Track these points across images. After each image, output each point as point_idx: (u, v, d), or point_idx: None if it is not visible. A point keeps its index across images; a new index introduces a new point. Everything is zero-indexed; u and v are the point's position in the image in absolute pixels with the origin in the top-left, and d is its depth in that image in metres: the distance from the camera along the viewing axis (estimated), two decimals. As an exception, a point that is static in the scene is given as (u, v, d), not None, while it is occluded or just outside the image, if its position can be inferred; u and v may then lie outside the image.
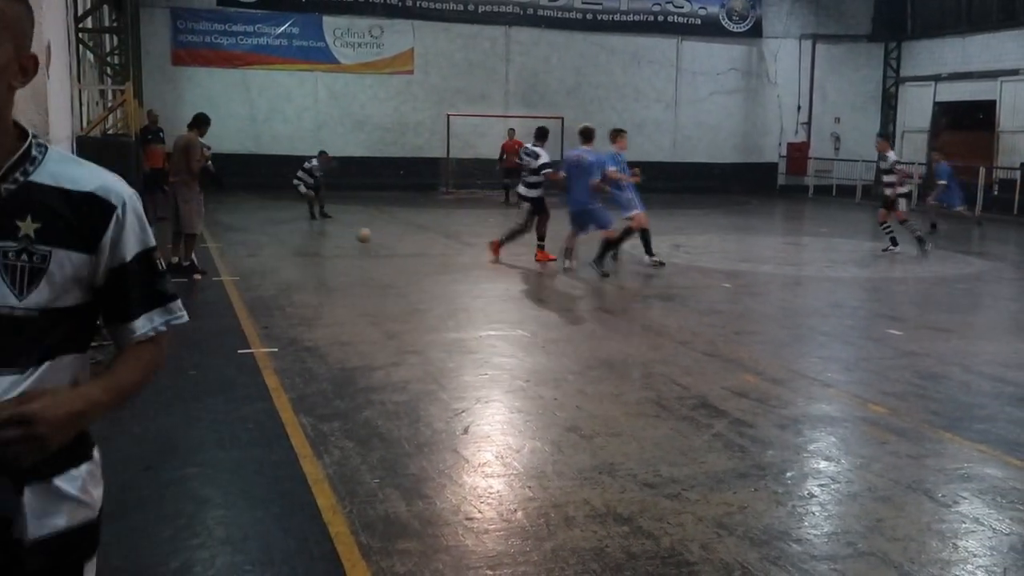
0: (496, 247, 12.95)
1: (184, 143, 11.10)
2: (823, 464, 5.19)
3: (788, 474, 5.01)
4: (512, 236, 12.97)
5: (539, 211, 12.94)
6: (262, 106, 25.23)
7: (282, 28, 25.30)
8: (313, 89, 25.75)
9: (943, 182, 18.85)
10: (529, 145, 13.74)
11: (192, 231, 11.06)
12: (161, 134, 17.15)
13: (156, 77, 23.36)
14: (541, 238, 13.05)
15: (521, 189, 13.31)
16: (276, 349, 7.49)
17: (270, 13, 25.14)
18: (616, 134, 12.91)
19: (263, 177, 23.83)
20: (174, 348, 6.52)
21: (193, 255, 11.14)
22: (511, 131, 23.83)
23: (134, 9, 18.13)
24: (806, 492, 4.75)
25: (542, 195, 12.94)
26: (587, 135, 12.41)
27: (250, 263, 12.41)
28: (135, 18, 18.99)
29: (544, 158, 13.02)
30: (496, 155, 23.92)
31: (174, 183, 11.09)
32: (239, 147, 23.08)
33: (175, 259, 10.87)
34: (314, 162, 18.05)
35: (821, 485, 4.84)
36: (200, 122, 11.40)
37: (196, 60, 24.72)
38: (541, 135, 13.77)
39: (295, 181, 18.08)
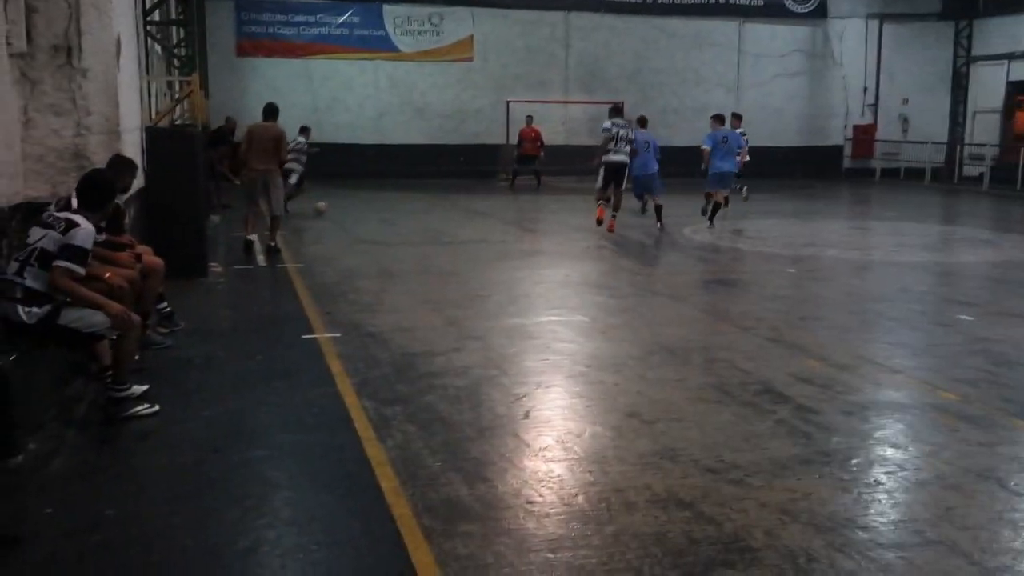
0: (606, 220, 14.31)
1: (277, 134, 11.75)
2: (890, 451, 5.10)
3: (854, 461, 4.93)
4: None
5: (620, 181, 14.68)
6: (324, 95, 25.48)
7: (343, 17, 25.51)
8: (374, 78, 25.93)
9: None
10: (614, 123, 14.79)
11: (282, 213, 12.24)
12: (230, 138, 17.40)
13: (222, 69, 23.77)
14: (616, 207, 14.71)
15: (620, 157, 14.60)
16: (339, 335, 7.58)
17: (331, 3, 25.37)
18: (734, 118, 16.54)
19: (326, 166, 24.11)
20: (240, 333, 6.69)
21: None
22: (529, 118, 23.98)
23: (199, 1, 18.45)
24: (872, 479, 4.67)
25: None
26: (643, 122, 15.72)
27: (314, 250, 12.58)
28: (200, 10, 19.33)
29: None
30: (553, 141, 24.09)
31: (263, 171, 11.63)
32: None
33: (272, 242, 11.86)
34: (302, 139, 16.64)
35: (888, 472, 4.75)
36: (276, 112, 12.07)
37: (260, 51, 25.06)
38: (617, 111, 15.36)
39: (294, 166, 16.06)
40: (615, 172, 14.62)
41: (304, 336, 7.55)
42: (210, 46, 23.40)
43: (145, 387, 5.62)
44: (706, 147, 15.51)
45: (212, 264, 10.67)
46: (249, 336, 7.68)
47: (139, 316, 5.63)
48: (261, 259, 11.55)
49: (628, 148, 14.65)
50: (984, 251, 13.88)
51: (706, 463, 4.79)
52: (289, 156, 15.07)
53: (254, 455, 4.93)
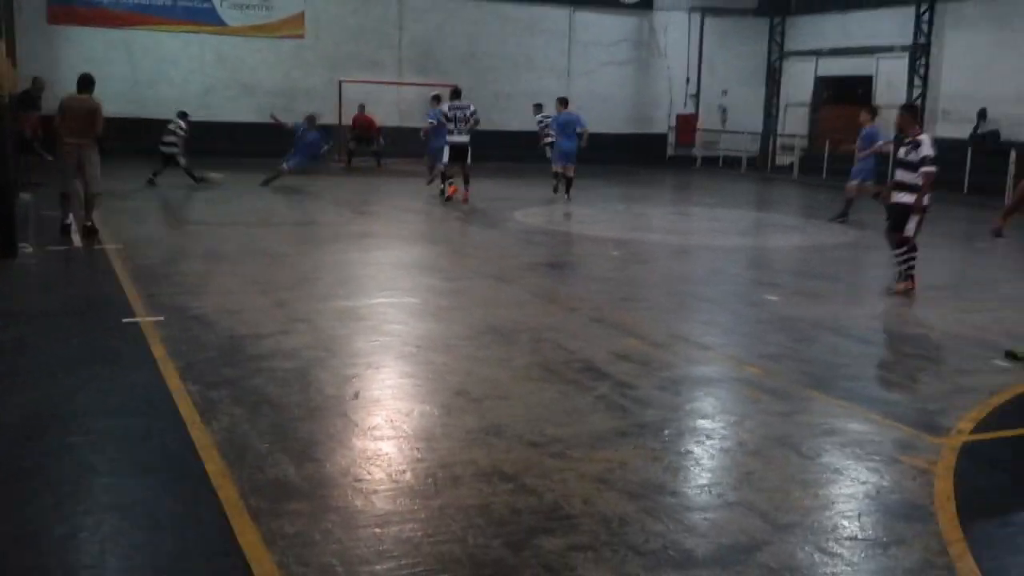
0: None
1: (93, 106, 11.12)
2: (699, 422, 5.47)
3: (666, 432, 5.26)
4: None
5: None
6: (146, 68, 24.37)
7: (166, -12, 24.44)
8: (200, 52, 24.98)
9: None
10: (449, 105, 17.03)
11: (100, 191, 11.42)
12: (39, 102, 16.60)
13: (30, 36, 22.24)
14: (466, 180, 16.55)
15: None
16: (162, 318, 7.37)
17: (153, -29, 24.25)
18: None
19: (147, 142, 23.10)
20: (54, 317, 6.44)
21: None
22: (361, 106, 24.56)
23: (5, -36, 17.24)
24: (682, 449, 5.01)
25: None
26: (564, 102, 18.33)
27: (135, 231, 12.09)
28: (7, -27, 18.05)
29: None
30: (389, 122, 24.27)
31: (76, 144, 11.01)
32: (121, 110, 22.09)
33: (87, 221, 11.21)
34: (182, 124, 17.57)
35: (696, 442, 5.10)
36: (92, 84, 11.43)
37: (74, 19, 23.65)
38: (456, 94, 17.17)
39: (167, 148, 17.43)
40: (459, 151, 16.29)
41: (125, 320, 7.30)
42: (17, 11, 21.88)
43: None
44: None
45: (22, 245, 10.10)
46: (65, 320, 7.36)
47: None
48: (77, 240, 11.02)
49: (467, 127, 16.39)
50: (791, 236, 14.87)
51: (529, 438, 5.00)
52: (169, 140, 16.75)
53: (71, 441, 4.77)
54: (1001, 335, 7.81)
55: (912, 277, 9.42)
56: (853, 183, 15.45)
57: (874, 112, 16.06)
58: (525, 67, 28.24)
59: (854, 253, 13.23)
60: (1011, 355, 7.01)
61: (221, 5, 24.96)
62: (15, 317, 7.30)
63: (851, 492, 4.50)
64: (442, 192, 16.88)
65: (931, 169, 9.07)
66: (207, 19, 24.87)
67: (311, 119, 18.96)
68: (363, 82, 25.65)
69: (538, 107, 22.47)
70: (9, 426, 4.92)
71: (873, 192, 14.63)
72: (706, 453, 4.96)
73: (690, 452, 4.96)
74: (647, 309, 8.72)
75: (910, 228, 9.19)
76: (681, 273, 11.13)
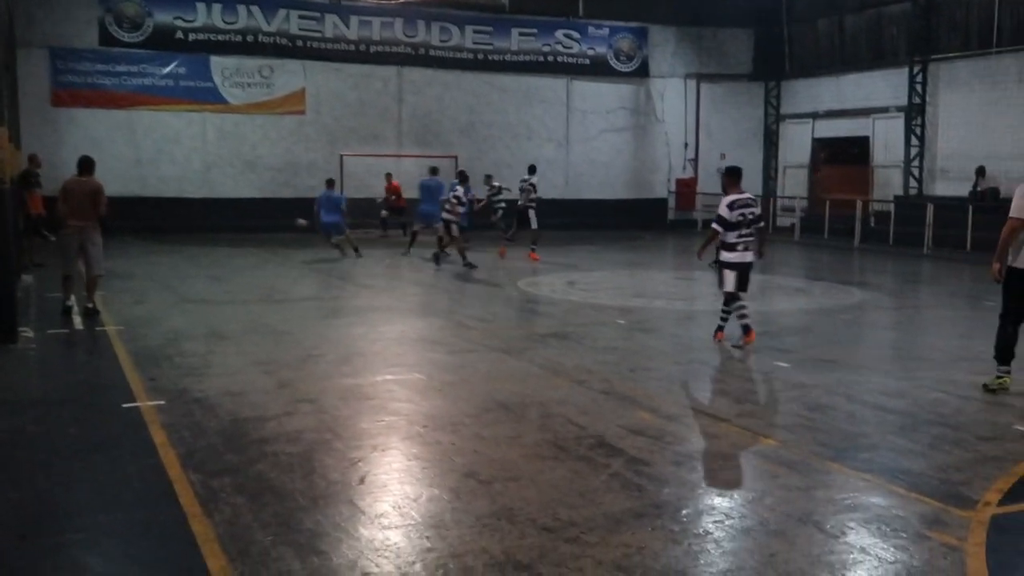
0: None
1: (95, 187, 11.22)
2: (717, 500, 5.28)
3: (684, 512, 5.07)
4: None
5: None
6: (148, 147, 24.59)
7: (168, 68, 24.76)
8: (201, 130, 25.24)
9: None
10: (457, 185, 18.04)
11: (102, 272, 11.57)
12: (39, 179, 16.74)
13: (34, 119, 22.51)
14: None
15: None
16: (163, 402, 7.23)
17: (155, 53, 24.58)
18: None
19: (150, 220, 23.21)
20: (53, 404, 6.26)
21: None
22: (388, 175, 24.76)
23: (10, 48, 17.50)
24: (702, 530, 4.82)
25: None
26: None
27: (136, 311, 12.00)
28: (11, 57, 18.33)
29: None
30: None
31: (79, 227, 11.09)
32: (123, 190, 22.30)
33: (90, 304, 11.30)
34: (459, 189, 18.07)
35: (716, 522, 4.91)
36: (93, 165, 11.52)
37: (77, 101, 23.95)
38: (464, 178, 18.63)
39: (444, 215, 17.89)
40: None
41: (124, 405, 7.16)
42: (22, 95, 22.16)
43: None
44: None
45: (23, 329, 10.00)
46: (63, 407, 7.20)
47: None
48: (79, 322, 10.93)
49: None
50: (797, 299, 14.75)
51: (543, 522, 4.82)
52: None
53: (67, 539, 4.59)
54: (1019, 399, 7.64)
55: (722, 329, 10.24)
56: None
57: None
58: (524, 136, 28.51)
59: (861, 315, 13.10)
60: (987, 389, 7.79)
61: (223, 84, 25.27)
62: (13, 406, 7.15)
63: (880, 573, 4.30)
64: (436, 257, 17.93)
65: (713, 226, 10.05)
66: (209, 98, 25.16)
67: (331, 182, 19.69)
68: (364, 155, 25.86)
69: (488, 178, 23.99)
70: (2, 524, 4.75)
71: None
72: (727, 534, 4.77)
73: (710, 533, 4.77)
74: (657, 379, 8.57)
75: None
76: (688, 340, 10.99)
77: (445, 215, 17.60)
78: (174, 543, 4.55)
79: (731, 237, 9.86)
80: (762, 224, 10.27)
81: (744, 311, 9.91)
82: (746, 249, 9.89)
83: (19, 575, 4.17)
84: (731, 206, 9.83)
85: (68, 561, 4.35)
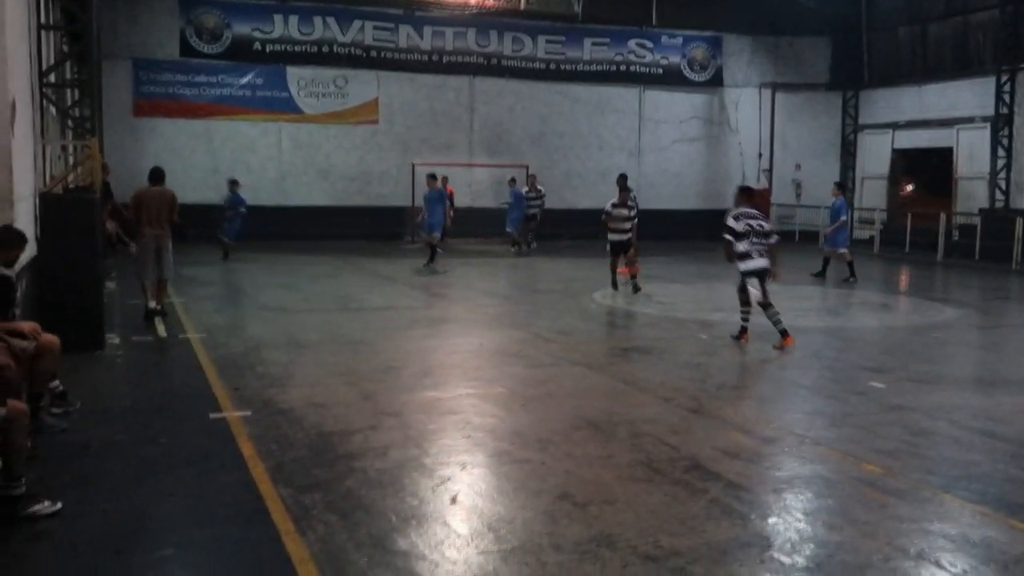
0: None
1: (170, 196, 11.77)
2: (825, 532, 5.03)
3: (791, 543, 4.84)
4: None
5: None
6: (225, 156, 24.97)
7: (246, 79, 25.15)
8: (277, 139, 25.57)
9: (843, 218, 18.33)
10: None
11: (170, 277, 12.03)
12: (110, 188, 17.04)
13: (117, 128, 23.04)
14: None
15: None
16: (249, 413, 7.22)
17: (234, 64, 24.99)
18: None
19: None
20: (143, 413, 6.24)
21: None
22: (444, 178, 23.78)
23: (97, 61, 17.87)
24: (813, 563, 4.58)
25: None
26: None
27: (216, 319, 12.11)
28: (98, 70, 18.72)
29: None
30: (460, 203, 24.46)
31: (156, 234, 11.58)
32: (201, 198, 22.68)
33: (157, 305, 11.67)
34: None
35: (829, 555, 4.67)
36: (163, 175, 11.99)
37: (158, 111, 24.44)
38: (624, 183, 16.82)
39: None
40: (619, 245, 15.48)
41: (212, 415, 7.16)
42: (106, 106, 22.63)
43: (58, 506, 4.99)
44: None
45: (109, 335, 10.13)
46: (152, 416, 7.22)
47: (29, 398, 5.22)
48: (162, 329, 11.05)
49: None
50: (883, 315, 14.30)
51: (645, 550, 4.63)
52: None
53: (160, 555, 4.55)
54: None
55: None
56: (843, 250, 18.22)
57: (842, 187, 19.60)
58: (596, 146, 28.34)
59: (953, 333, 12.61)
60: None
61: (298, 94, 25.57)
62: (103, 415, 7.19)
63: (1012, 617, 4.03)
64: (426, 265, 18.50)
65: (724, 236, 10.55)
66: (285, 108, 25.48)
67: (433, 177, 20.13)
68: (436, 164, 25.88)
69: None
70: (96, 538, 4.72)
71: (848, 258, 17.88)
72: (840, 569, 4.52)
73: (822, 566, 4.53)
74: (746, 398, 8.31)
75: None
76: (775, 357, 10.67)
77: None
78: (269, 562, 4.47)
79: (742, 246, 10.44)
80: (775, 240, 10.70)
81: (777, 316, 10.61)
82: (760, 256, 10.48)
83: (118, 592, 4.12)
84: (736, 217, 10.49)
85: (165, 578, 4.31)
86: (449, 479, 5.76)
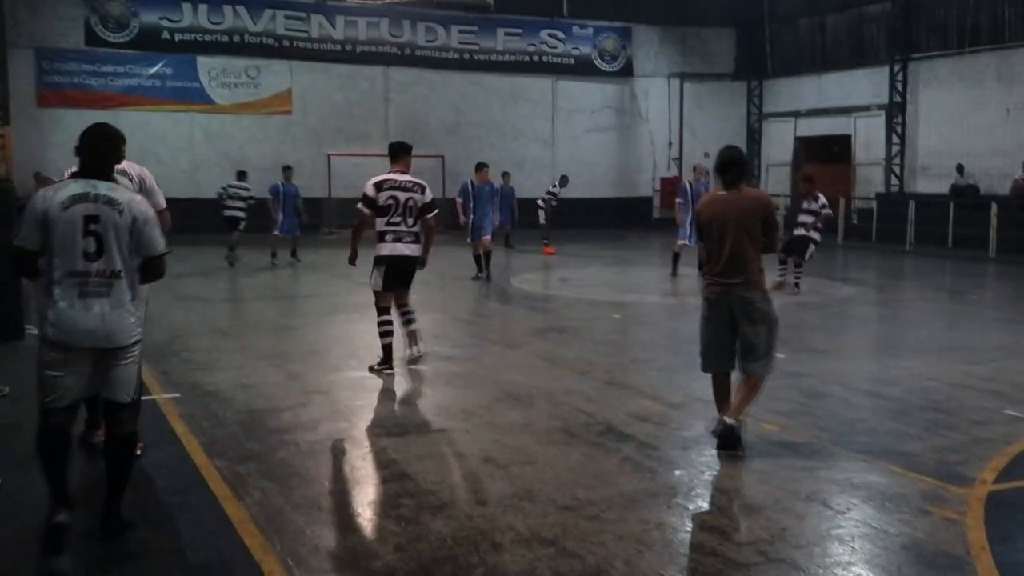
0: None
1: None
2: (727, 481, 5.51)
3: (696, 491, 5.30)
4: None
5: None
6: (134, 148, 24.03)
7: (154, 68, 24.83)
8: (188, 130, 25.32)
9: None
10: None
11: None
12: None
13: (20, 120, 22.44)
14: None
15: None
16: (178, 395, 7.39)
17: (142, 53, 24.64)
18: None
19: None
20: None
21: None
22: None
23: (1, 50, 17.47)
24: (715, 507, 5.05)
25: None
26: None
27: (136, 309, 12.09)
28: (1, 59, 18.28)
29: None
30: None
31: None
32: (112, 190, 22.34)
33: None
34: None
35: (728, 500, 5.15)
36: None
37: (63, 101, 23.95)
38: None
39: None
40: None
41: (141, 397, 7.28)
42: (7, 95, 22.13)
43: None
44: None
45: (28, 326, 10.09)
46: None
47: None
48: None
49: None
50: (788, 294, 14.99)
51: (563, 501, 5.03)
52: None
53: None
54: (1007, 386, 7.93)
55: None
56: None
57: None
58: (511, 136, 28.73)
59: (849, 308, 13.40)
60: None
61: (210, 84, 25.35)
62: (31, 400, 7.26)
63: (887, 545, 4.54)
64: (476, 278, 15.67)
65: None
66: (196, 98, 25.24)
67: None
68: (350, 155, 25.97)
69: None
70: (37, 509, 4.89)
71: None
72: (740, 511, 5.00)
73: (723, 510, 5.00)
74: (656, 370, 8.80)
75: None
76: (684, 333, 11.17)
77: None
78: (210, 524, 4.72)
79: (381, 225, 8.35)
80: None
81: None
82: (397, 240, 8.37)
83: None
84: (378, 186, 8.37)
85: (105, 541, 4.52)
86: (378, 448, 6.06)
